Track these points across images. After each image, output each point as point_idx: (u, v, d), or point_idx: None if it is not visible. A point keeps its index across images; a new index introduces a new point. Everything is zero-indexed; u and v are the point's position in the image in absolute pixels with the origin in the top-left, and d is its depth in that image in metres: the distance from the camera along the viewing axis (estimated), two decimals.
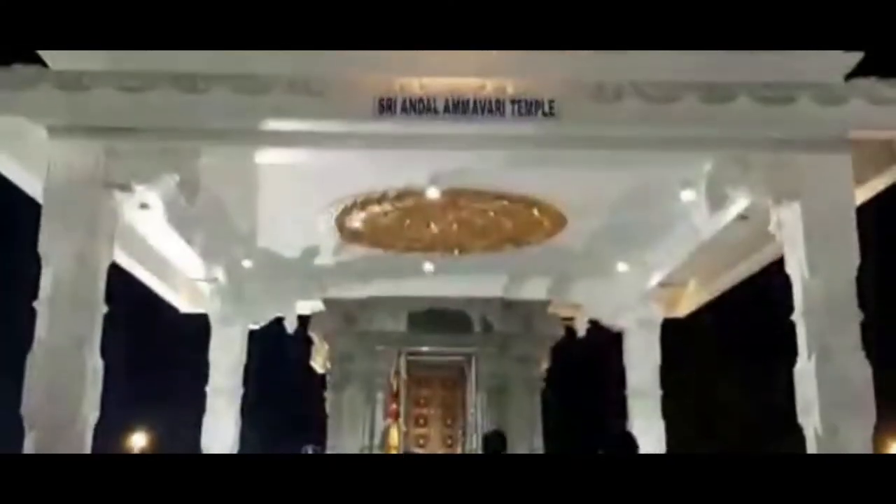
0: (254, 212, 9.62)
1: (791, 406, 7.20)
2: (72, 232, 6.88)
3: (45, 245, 6.89)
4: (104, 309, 7.07)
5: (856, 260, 6.97)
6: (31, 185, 7.63)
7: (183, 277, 11.76)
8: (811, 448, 6.86)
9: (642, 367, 12.22)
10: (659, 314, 12.22)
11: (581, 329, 13.06)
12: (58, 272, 6.87)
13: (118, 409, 11.55)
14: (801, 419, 7.02)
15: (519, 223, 10.11)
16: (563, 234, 10.33)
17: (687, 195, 8.26)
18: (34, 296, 6.90)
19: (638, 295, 12.04)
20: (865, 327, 6.91)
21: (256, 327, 12.63)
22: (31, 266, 7.02)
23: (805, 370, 6.99)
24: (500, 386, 13.06)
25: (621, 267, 11.58)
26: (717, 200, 7.39)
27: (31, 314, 6.94)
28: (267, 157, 7.49)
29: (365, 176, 8.71)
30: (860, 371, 6.77)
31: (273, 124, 6.99)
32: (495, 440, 8.83)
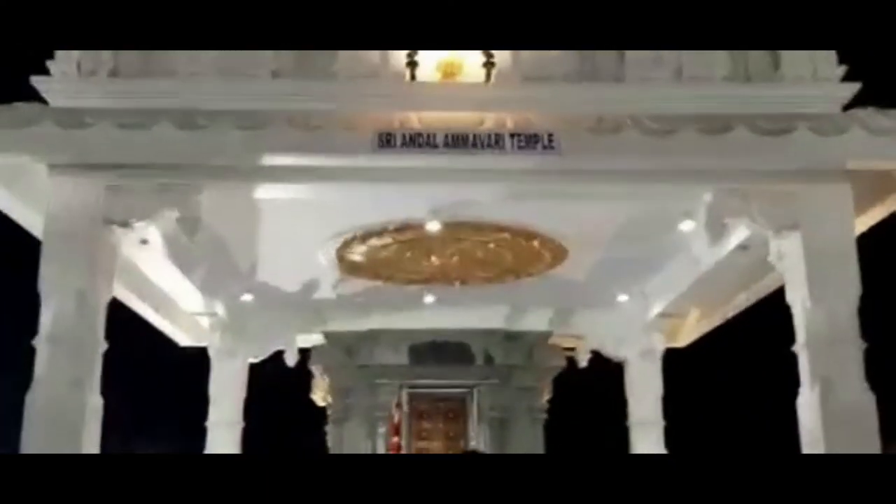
0: (254, 246, 9.62)
1: (794, 436, 7.17)
2: (72, 269, 6.88)
3: (44, 282, 6.88)
4: (104, 346, 7.05)
5: (857, 289, 6.97)
6: (32, 222, 7.64)
7: (182, 312, 11.73)
8: None
9: (644, 397, 12.18)
10: (660, 344, 12.19)
11: (583, 360, 13.01)
12: (57, 309, 6.85)
13: (118, 444, 11.51)
14: (804, 449, 6.98)
15: (519, 255, 10.10)
16: (564, 265, 10.32)
17: (687, 226, 8.29)
18: (34, 334, 6.89)
19: (639, 325, 12.02)
20: (869, 356, 6.89)
21: (256, 361, 12.58)
22: (31, 304, 7.02)
23: (808, 401, 6.96)
24: (502, 418, 12.99)
25: (622, 298, 11.56)
26: (716, 231, 7.39)
27: (31, 352, 6.92)
28: (267, 192, 7.50)
29: (365, 209, 8.72)
30: (864, 401, 6.75)
31: (273, 159, 7.01)
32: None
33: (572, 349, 13.22)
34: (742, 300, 10.72)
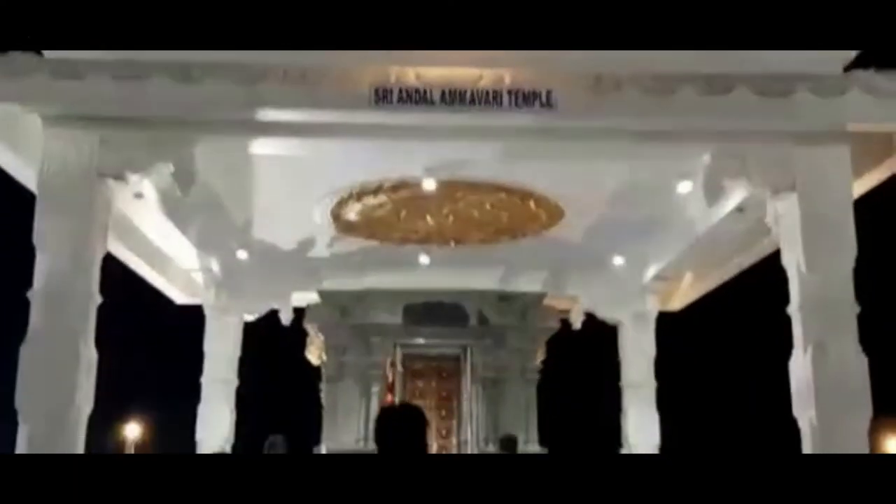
0: (249, 202, 9.58)
1: (786, 399, 7.20)
2: (66, 221, 6.83)
3: (39, 235, 6.84)
4: (98, 299, 7.03)
5: (853, 252, 6.96)
6: (26, 174, 7.58)
7: (177, 268, 11.72)
8: (806, 441, 6.85)
9: (637, 359, 12.25)
10: (654, 307, 12.23)
11: (577, 322, 13.06)
12: (52, 262, 6.82)
13: (113, 399, 11.54)
14: (795, 412, 7.01)
15: (515, 215, 10.08)
16: (560, 226, 10.31)
17: (684, 187, 8.26)
18: (28, 286, 6.87)
19: (634, 288, 12.05)
20: (863, 320, 6.90)
21: (251, 319, 12.60)
22: (26, 256, 6.99)
23: (800, 364, 6.97)
24: (495, 378, 13.08)
25: (617, 260, 11.57)
26: (714, 193, 7.37)
27: (26, 304, 6.90)
28: (262, 147, 7.44)
29: (360, 167, 8.67)
30: (856, 364, 6.76)
31: (268, 114, 6.93)
32: (508, 444, 9.76)
33: (566, 311, 13.27)
34: (737, 264, 10.74)
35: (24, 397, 6.61)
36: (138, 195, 7.90)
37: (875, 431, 7.40)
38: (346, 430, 12.67)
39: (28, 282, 6.92)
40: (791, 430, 7.12)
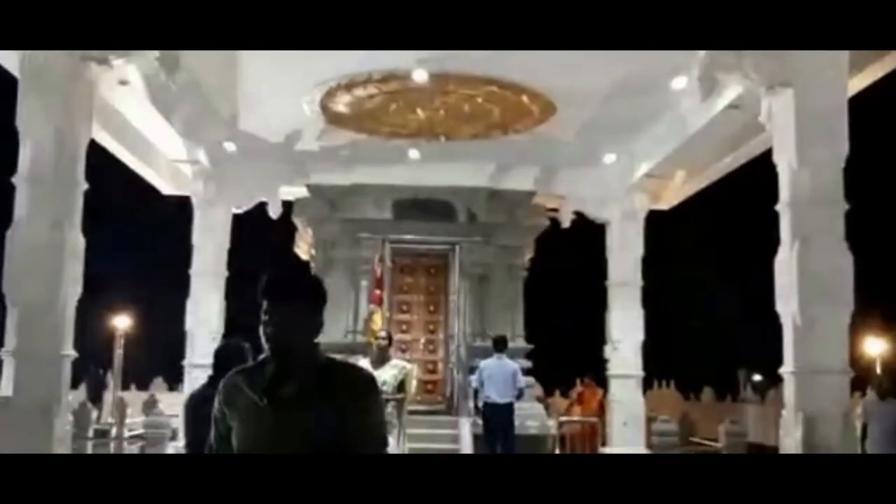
0: (235, 90, 9.41)
1: (770, 297, 7.28)
2: (49, 106, 6.73)
3: (22, 120, 6.74)
4: (84, 186, 6.98)
5: (845, 150, 6.93)
6: (8, 58, 7.41)
7: (165, 159, 11.60)
8: (787, 335, 6.95)
9: (624, 257, 12.31)
10: (644, 206, 12.23)
11: (565, 220, 13.08)
12: (36, 148, 6.74)
13: (103, 290, 11.59)
14: (778, 308, 7.10)
15: (507, 110, 9.96)
16: (552, 122, 10.20)
17: (678, 83, 8.15)
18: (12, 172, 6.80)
19: (624, 186, 12.03)
20: (851, 218, 6.92)
21: (240, 212, 12.56)
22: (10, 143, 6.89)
23: (786, 260, 7.02)
24: (483, 274, 13.16)
25: (609, 158, 11.52)
26: (708, 87, 7.30)
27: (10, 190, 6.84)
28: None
29: (349, 56, 8.49)
30: (841, 261, 6.81)
31: None
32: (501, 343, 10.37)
33: (555, 210, 13.27)
34: (728, 162, 10.72)
35: (11, 282, 6.63)
36: (123, 82, 7.76)
37: (856, 329, 7.52)
38: (335, 323, 12.80)
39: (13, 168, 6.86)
40: (775, 326, 7.23)
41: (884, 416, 7.33)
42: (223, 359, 4.27)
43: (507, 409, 10.10)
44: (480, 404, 10.23)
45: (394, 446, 7.05)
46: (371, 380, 2.47)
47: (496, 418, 10.08)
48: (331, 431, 2.29)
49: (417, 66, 8.23)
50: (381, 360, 7.75)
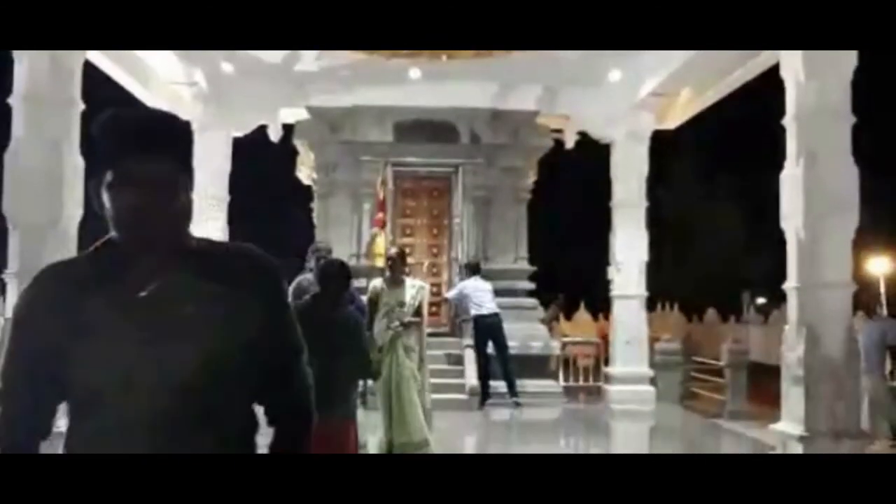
0: None
1: (776, 219, 7.23)
2: None
3: None
4: (81, 106, 6.90)
5: (853, 63, 6.80)
6: None
7: (162, 81, 11.44)
8: (791, 250, 6.93)
9: (629, 178, 12.19)
10: (649, 125, 12.07)
11: (569, 141, 12.95)
12: (30, 67, 6.64)
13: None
14: (783, 223, 7.07)
15: None
16: None
17: None
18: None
19: (629, 105, 11.84)
20: (858, 132, 6.83)
21: (240, 135, 12.44)
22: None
23: (792, 175, 6.96)
24: (486, 197, 13.09)
25: (613, 75, 11.33)
26: None
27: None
28: None
29: None
30: (847, 175, 6.76)
31: None
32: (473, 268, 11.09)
33: (559, 130, 13.11)
34: (735, 78, 10.48)
35: (12, 204, 6.61)
36: None
37: (860, 246, 7.49)
38: (338, 246, 12.78)
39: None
40: (780, 250, 7.20)
41: (869, 332, 9.08)
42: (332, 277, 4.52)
43: (495, 318, 11.05)
44: (461, 320, 11.57)
45: (416, 376, 6.83)
46: (273, 265, 1.84)
47: (485, 329, 11.01)
48: (222, 343, 1.68)
49: None
50: (395, 279, 7.08)
